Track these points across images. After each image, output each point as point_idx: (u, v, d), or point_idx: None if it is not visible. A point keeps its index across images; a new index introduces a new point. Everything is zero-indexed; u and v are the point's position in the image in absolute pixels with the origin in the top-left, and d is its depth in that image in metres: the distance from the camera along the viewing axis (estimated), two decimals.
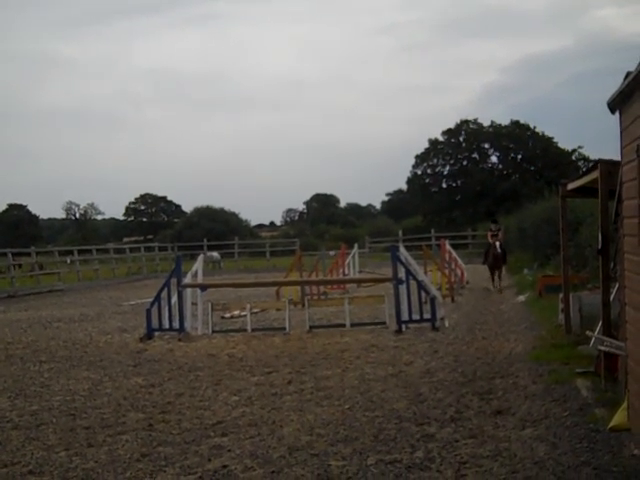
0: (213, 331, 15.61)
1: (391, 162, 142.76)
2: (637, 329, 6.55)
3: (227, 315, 18.26)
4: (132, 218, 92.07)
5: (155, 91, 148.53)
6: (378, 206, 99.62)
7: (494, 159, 72.40)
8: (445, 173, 72.62)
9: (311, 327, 15.41)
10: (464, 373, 10.20)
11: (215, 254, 46.88)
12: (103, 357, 13.01)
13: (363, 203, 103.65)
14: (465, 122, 71.81)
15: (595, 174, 9.31)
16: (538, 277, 21.15)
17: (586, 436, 6.76)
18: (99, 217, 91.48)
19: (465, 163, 71.62)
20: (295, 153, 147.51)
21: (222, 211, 74.48)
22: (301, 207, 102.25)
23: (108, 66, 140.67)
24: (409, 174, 73.52)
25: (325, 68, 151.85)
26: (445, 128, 72.14)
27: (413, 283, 15.21)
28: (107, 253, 44.44)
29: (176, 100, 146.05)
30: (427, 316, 14.89)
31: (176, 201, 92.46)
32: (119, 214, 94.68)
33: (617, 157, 7.45)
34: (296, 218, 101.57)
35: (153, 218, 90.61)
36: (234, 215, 75.87)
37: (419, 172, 72.98)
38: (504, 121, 72.43)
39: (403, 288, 14.99)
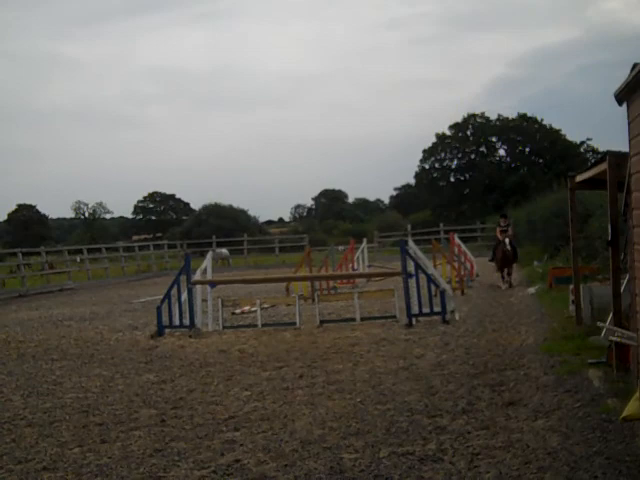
0: (224, 327, 15.64)
1: (399, 157, 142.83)
2: None
3: (237, 311, 18.30)
4: (141, 216, 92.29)
5: (160, 89, 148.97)
6: (386, 201, 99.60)
7: (502, 152, 72.37)
8: (453, 167, 72.56)
9: (321, 322, 15.43)
10: (475, 365, 10.20)
11: (224, 251, 46.94)
12: (114, 354, 13.05)
13: (371, 198, 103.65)
14: (472, 116, 71.70)
15: (604, 166, 9.29)
16: (548, 269, 21.11)
17: (598, 426, 6.76)
18: (108, 216, 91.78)
19: (473, 157, 71.50)
20: (303, 149, 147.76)
21: (231, 208, 74.57)
22: (309, 203, 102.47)
23: (112, 65, 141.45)
24: (417, 169, 73.61)
25: (331, 63, 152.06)
26: (452, 122, 72.11)
27: (423, 277, 15.21)
28: (116, 251, 44.49)
29: (182, 98, 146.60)
30: (437, 309, 14.89)
31: (185, 199, 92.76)
32: (128, 213, 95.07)
33: (626, 148, 7.44)
34: (305, 214, 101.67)
35: (162, 216, 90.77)
36: (243, 212, 75.95)
37: (427, 166, 72.94)
38: (511, 114, 72.49)
39: (413, 282, 14.99)
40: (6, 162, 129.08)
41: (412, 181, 78.40)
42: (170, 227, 77.32)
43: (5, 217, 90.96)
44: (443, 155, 72.41)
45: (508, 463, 5.97)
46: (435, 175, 72.89)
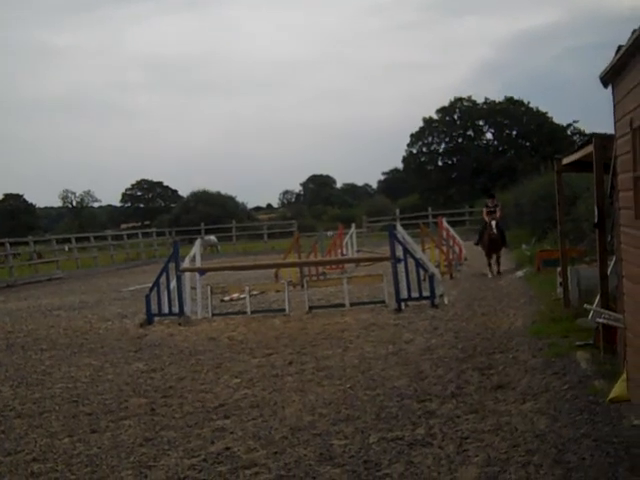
0: (213, 314, 15.64)
1: (386, 141, 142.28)
2: (635, 301, 6.58)
3: (226, 298, 18.29)
4: (129, 204, 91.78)
5: (147, 77, 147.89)
6: (375, 186, 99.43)
7: (489, 136, 72.35)
8: (440, 151, 72.51)
9: (311, 308, 15.44)
10: (464, 349, 10.24)
11: (212, 238, 46.87)
12: (104, 343, 13.03)
13: (359, 183, 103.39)
14: (459, 100, 71.59)
15: (590, 148, 9.31)
16: (536, 252, 21.16)
17: (586, 408, 6.80)
18: (96, 204, 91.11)
19: (460, 140, 71.47)
20: (290, 135, 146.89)
21: (219, 195, 74.22)
22: (298, 189, 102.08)
23: (99, 54, 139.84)
24: (404, 153, 73.49)
25: (318, 49, 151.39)
26: (439, 106, 72.03)
27: (411, 261, 15.23)
28: (105, 240, 44.36)
29: (168, 85, 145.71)
30: (426, 294, 14.93)
31: (172, 186, 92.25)
32: (116, 201, 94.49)
33: (612, 131, 7.45)
34: (293, 200, 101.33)
35: (150, 204, 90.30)
36: (231, 198, 75.62)
37: (414, 151, 72.85)
38: (498, 97, 72.40)
39: (401, 266, 15.01)
40: None
41: (400, 165, 78.39)
42: (158, 215, 76.90)
43: None
44: (431, 139, 72.34)
45: (497, 446, 6.01)
46: (423, 159, 72.84)
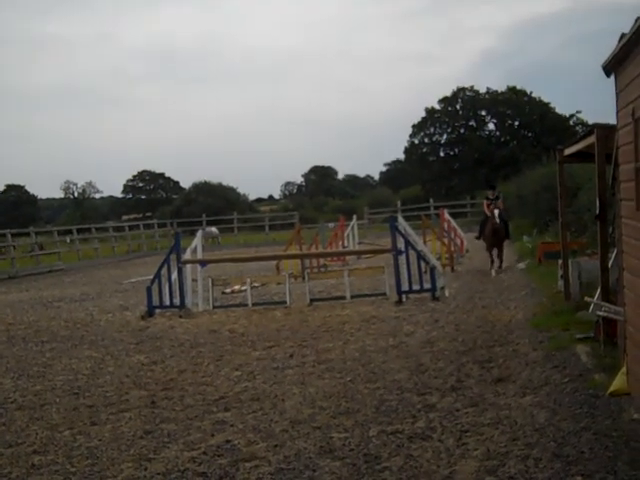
0: (214, 307, 15.65)
1: (388, 132, 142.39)
2: (635, 294, 6.57)
3: (228, 290, 18.30)
4: (130, 196, 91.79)
5: (148, 67, 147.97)
6: (376, 177, 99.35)
7: (491, 126, 72.11)
8: (442, 142, 72.34)
9: (312, 300, 15.44)
10: (465, 342, 10.24)
11: (214, 229, 46.86)
12: (105, 336, 13.04)
13: (361, 174, 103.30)
14: (461, 90, 71.39)
15: (592, 139, 9.28)
16: (537, 244, 21.14)
17: (586, 401, 6.80)
18: (97, 196, 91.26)
19: (462, 131, 71.31)
20: (292, 126, 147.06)
21: (220, 186, 74.18)
22: (299, 180, 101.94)
23: (100, 44, 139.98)
24: (406, 144, 73.34)
25: (318, 39, 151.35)
26: (442, 96, 71.85)
27: (412, 253, 15.21)
28: (106, 231, 44.40)
29: (170, 75, 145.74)
30: (427, 286, 14.92)
31: (174, 177, 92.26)
32: (117, 192, 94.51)
33: (615, 121, 7.41)
34: (294, 191, 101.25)
35: (151, 195, 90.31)
36: (232, 190, 75.59)
37: (416, 141, 72.70)
38: (501, 87, 72.15)
39: (403, 258, 15.00)
40: None
41: (402, 156, 78.29)
42: (160, 206, 76.93)
43: None
44: (433, 130, 72.16)
45: (496, 440, 6.01)
46: (425, 150, 72.68)
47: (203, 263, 17.03)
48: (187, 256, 16.17)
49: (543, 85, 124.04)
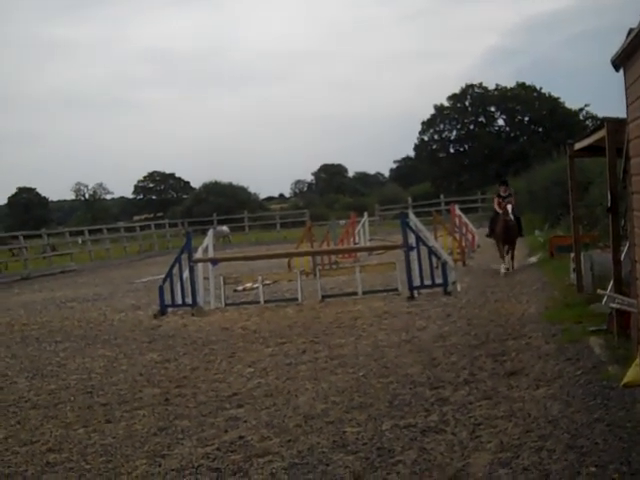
0: (226, 304, 15.67)
1: (398, 129, 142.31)
2: None
3: (239, 288, 18.33)
4: (141, 196, 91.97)
5: (157, 69, 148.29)
6: (386, 174, 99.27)
7: (501, 122, 71.99)
8: (452, 138, 72.28)
9: (323, 297, 15.45)
10: (477, 336, 10.22)
11: (225, 228, 46.93)
12: (117, 335, 13.09)
13: (371, 171, 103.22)
14: (470, 86, 71.29)
15: (602, 133, 9.25)
16: (549, 238, 21.07)
17: (599, 393, 6.78)
18: (108, 197, 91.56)
19: (472, 127, 71.18)
20: (301, 125, 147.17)
21: (230, 186, 74.25)
22: (309, 178, 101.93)
23: (108, 47, 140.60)
24: (416, 141, 73.31)
25: (326, 39, 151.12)
26: (450, 93, 71.74)
27: (424, 249, 15.20)
28: (118, 232, 44.54)
29: (178, 77, 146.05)
30: (439, 281, 14.90)
31: (184, 177, 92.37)
32: (128, 193, 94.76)
33: (624, 114, 7.39)
34: (305, 189, 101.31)
35: (162, 195, 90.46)
36: (243, 189, 75.64)
37: (426, 138, 72.67)
38: (510, 83, 71.98)
39: (414, 254, 14.99)
40: (5, 146, 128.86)
41: (412, 153, 78.26)
42: (171, 206, 77.09)
43: (6, 201, 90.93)
44: (442, 126, 72.10)
45: (510, 432, 6.00)
46: (434, 147, 72.63)
47: (214, 261, 17.06)
48: (199, 255, 16.21)
49: (552, 80, 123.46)
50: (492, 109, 71.24)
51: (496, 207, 18.54)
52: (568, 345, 8.99)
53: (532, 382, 7.51)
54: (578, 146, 12.32)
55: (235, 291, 17.94)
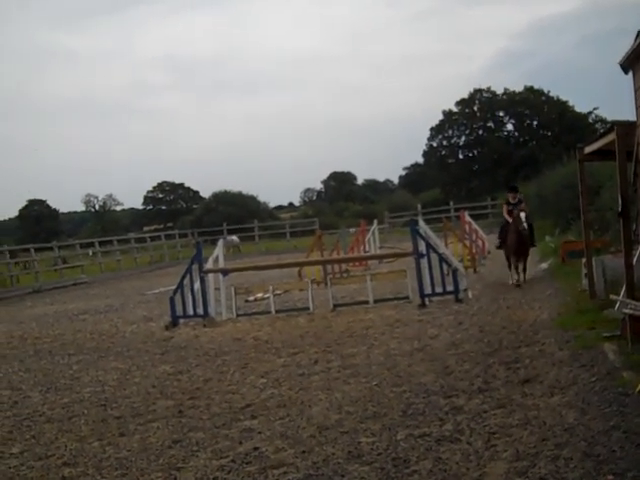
0: (237, 315, 15.68)
1: (406, 136, 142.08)
2: None
3: (251, 298, 18.32)
4: (151, 207, 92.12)
5: (166, 78, 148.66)
6: (396, 181, 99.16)
7: (510, 127, 71.86)
8: (461, 144, 72.22)
9: (335, 305, 15.44)
10: (490, 343, 10.19)
11: (235, 238, 46.99)
12: (130, 347, 13.11)
13: (380, 179, 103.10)
14: (478, 91, 71.22)
15: (611, 136, 9.22)
16: (560, 243, 21.01)
17: (615, 400, 6.74)
18: (118, 208, 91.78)
19: (481, 132, 71.13)
20: (309, 132, 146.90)
21: (240, 195, 74.42)
22: (319, 186, 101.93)
23: (117, 55, 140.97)
24: (425, 147, 73.30)
25: (334, 44, 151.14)
26: (459, 98, 71.73)
27: (434, 256, 15.17)
28: (128, 243, 44.66)
29: (186, 86, 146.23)
30: (450, 288, 14.87)
31: (194, 187, 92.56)
32: (138, 204, 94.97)
33: (634, 117, 7.38)
34: (314, 197, 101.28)
35: (172, 206, 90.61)
36: (252, 198, 75.77)
37: (435, 144, 72.64)
38: (518, 87, 71.88)
39: (425, 262, 14.96)
40: (15, 158, 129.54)
41: (421, 160, 78.23)
42: (181, 216, 77.28)
43: (16, 213, 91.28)
44: (451, 132, 72.05)
45: (525, 441, 5.97)
46: (443, 153, 72.57)
47: (225, 272, 17.07)
48: (209, 265, 16.23)
49: (560, 84, 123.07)
50: (501, 114, 71.15)
51: (506, 216, 17.08)
52: (582, 351, 8.95)
53: (546, 389, 7.47)
54: (588, 150, 12.29)
55: (246, 301, 17.94)
